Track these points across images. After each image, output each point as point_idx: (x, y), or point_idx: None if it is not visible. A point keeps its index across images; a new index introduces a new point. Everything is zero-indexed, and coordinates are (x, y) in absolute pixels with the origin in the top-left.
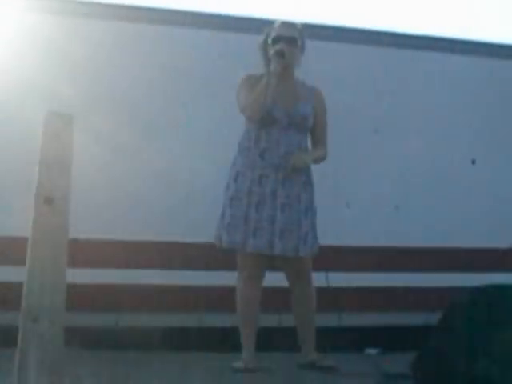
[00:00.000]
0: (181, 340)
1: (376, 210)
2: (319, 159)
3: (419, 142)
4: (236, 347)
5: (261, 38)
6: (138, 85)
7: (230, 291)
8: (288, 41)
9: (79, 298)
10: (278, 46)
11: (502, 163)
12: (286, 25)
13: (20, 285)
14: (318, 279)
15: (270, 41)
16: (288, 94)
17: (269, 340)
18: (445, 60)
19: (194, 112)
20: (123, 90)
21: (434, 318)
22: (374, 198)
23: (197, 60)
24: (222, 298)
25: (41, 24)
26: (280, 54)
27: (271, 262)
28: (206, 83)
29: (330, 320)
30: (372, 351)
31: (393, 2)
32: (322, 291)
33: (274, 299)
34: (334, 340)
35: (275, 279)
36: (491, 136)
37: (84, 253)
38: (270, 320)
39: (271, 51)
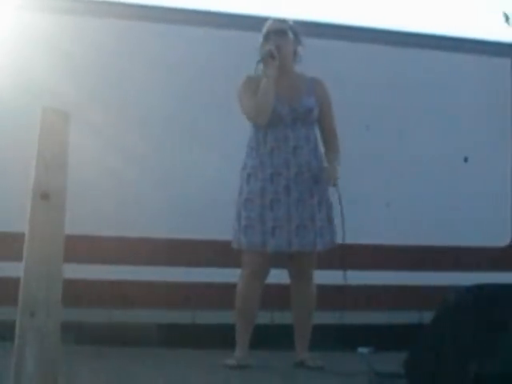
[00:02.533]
0: (173, 336)
1: (367, 208)
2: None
3: (411, 140)
4: (229, 344)
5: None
6: (135, 81)
7: (223, 288)
8: (278, 33)
9: (73, 293)
10: (266, 48)
11: (494, 161)
12: (276, 20)
13: (17, 280)
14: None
15: (261, 38)
16: (289, 89)
17: (261, 338)
18: (439, 58)
19: (189, 108)
20: (119, 87)
21: (427, 317)
22: (365, 195)
23: (193, 57)
24: (215, 295)
25: (35, 22)
26: (270, 55)
27: (277, 260)
28: (202, 80)
29: (322, 318)
30: (364, 350)
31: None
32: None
33: (267, 297)
34: (326, 338)
35: (268, 276)
36: (484, 134)
37: (81, 248)
38: (263, 317)
39: (262, 51)
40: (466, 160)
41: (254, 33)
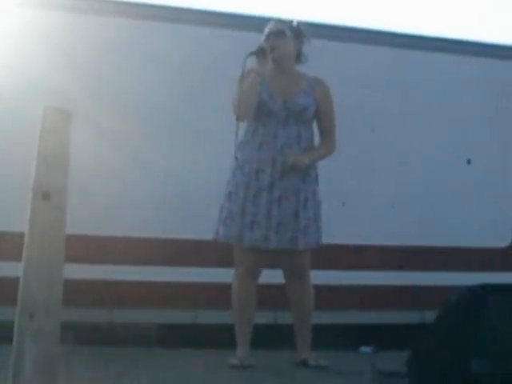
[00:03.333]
0: (175, 337)
1: (372, 209)
2: (320, 158)
3: (415, 142)
4: (231, 344)
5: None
6: (137, 81)
7: (224, 288)
8: (276, 34)
9: (74, 293)
10: (261, 44)
11: (497, 163)
12: (277, 21)
13: (16, 280)
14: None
15: (262, 38)
16: (285, 86)
17: (263, 337)
18: (442, 60)
19: (194, 108)
20: (121, 87)
21: (429, 317)
22: (370, 197)
23: (198, 57)
24: (217, 295)
25: (38, 19)
26: (262, 52)
27: (269, 259)
28: (206, 80)
29: (324, 318)
30: (367, 349)
31: (391, 2)
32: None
33: (269, 296)
34: (328, 338)
35: (270, 276)
36: (487, 136)
37: (79, 248)
38: (265, 317)
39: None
40: (469, 162)
41: (258, 33)
